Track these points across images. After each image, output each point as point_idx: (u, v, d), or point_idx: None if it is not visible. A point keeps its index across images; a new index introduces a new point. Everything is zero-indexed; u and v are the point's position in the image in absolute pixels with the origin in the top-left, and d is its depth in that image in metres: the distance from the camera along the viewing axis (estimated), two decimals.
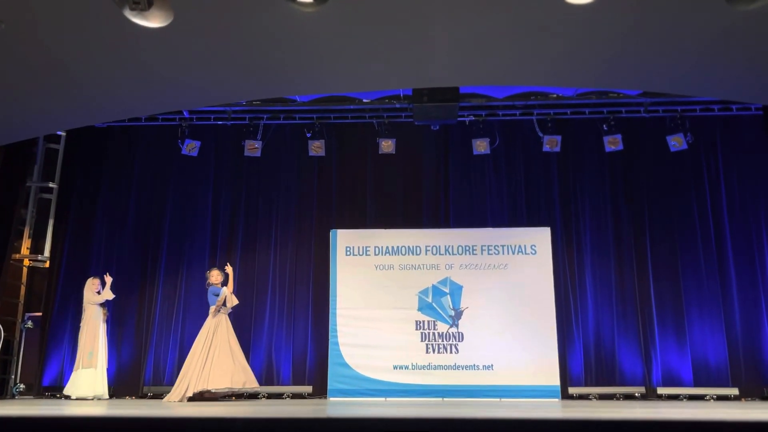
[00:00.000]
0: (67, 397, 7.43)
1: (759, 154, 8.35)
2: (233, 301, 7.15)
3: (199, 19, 4.96)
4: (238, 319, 8.39)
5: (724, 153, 8.53)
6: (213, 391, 6.64)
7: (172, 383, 8.15)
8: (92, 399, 7.29)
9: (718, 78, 5.85)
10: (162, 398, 7.60)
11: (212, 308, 6.98)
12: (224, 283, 7.11)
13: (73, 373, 7.51)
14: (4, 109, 6.27)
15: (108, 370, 7.89)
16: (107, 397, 7.54)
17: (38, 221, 8.60)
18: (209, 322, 6.95)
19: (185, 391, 6.59)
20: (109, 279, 7.83)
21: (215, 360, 6.69)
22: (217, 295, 6.98)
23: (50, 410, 4.00)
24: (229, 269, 7.24)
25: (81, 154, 8.96)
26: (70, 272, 8.64)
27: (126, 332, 8.43)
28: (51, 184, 8.64)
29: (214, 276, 7.16)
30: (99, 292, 7.78)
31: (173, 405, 6.11)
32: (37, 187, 8.64)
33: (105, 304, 7.77)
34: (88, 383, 7.38)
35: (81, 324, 7.68)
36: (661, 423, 1.98)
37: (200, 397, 6.65)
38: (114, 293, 7.90)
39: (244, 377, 6.78)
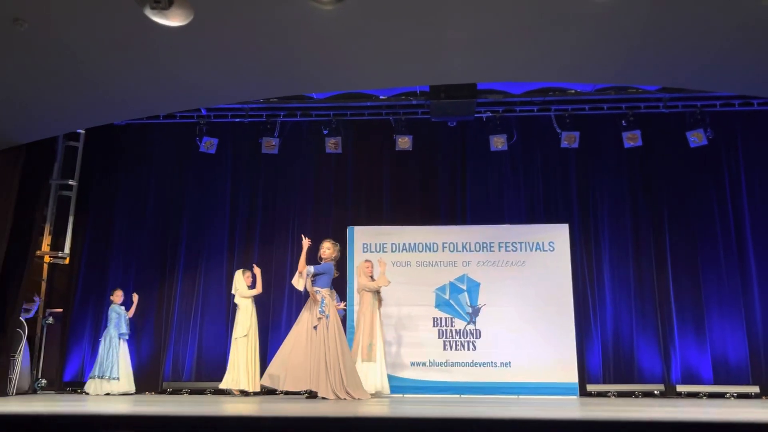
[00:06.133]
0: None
1: None
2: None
3: (217, 17, 4.98)
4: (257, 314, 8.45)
5: (744, 148, 8.43)
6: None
7: (190, 379, 8.26)
8: (373, 395, 6.64)
9: (741, 73, 5.77)
10: (181, 393, 7.66)
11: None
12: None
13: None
14: (25, 108, 6.33)
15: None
16: (388, 392, 6.96)
17: (58, 218, 8.69)
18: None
19: None
20: (257, 270, 7.60)
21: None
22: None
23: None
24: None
25: (100, 152, 9.04)
26: (90, 268, 8.75)
27: (146, 328, 8.50)
28: (71, 182, 8.71)
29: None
30: (252, 287, 7.56)
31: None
32: (57, 185, 8.72)
33: (378, 293, 7.17)
34: (371, 378, 6.79)
35: (356, 314, 7.18)
36: (688, 424, 1.97)
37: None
38: (137, 292, 8.05)
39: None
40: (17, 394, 7.44)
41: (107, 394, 7.44)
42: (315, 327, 5.97)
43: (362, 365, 6.80)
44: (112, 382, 7.54)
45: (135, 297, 8.10)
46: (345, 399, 5.76)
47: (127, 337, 7.85)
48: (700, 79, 6.10)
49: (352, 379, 6.01)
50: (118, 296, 7.98)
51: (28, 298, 7.82)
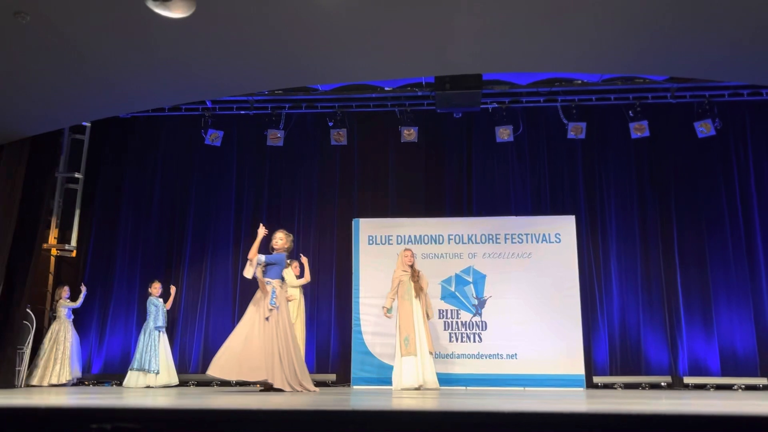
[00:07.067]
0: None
1: None
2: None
3: (220, 8, 4.95)
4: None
5: (753, 138, 8.36)
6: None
7: (197, 371, 8.28)
8: (418, 389, 6.52)
9: (750, 62, 5.69)
10: (188, 385, 7.68)
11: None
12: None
13: (395, 363, 6.87)
14: (29, 101, 6.33)
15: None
16: (437, 386, 6.71)
17: (65, 211, 8.71)
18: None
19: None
20: (305, 259, 7.49)
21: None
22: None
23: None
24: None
25: (106, 145, 9.06)
26: (96, 261, 8.78)
27: None
28: (77, 175, 8.72)
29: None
30: (300, 276, 7.52)
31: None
32: (64, 178, 8.73)
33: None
34: (411, 373, 6.58)
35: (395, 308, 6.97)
36: (694, 417, 1.95)
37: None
38: (142, 284, 8.09)
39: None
40: (73, 385, 7.68)
41: (147, 386, 7.47)
42: (267, 318, 5.73)
43: (403, 360, 6.60)
44: (151, 376, 7.58)
45: (173, 289, 8.15)
46: (301, 391, 5.61)
47: (163, 330, 7.89)
48: (709, 68, 6.03)
49: (303, 372, 5.86)
50: (156, 288, 8.01)
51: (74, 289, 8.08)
